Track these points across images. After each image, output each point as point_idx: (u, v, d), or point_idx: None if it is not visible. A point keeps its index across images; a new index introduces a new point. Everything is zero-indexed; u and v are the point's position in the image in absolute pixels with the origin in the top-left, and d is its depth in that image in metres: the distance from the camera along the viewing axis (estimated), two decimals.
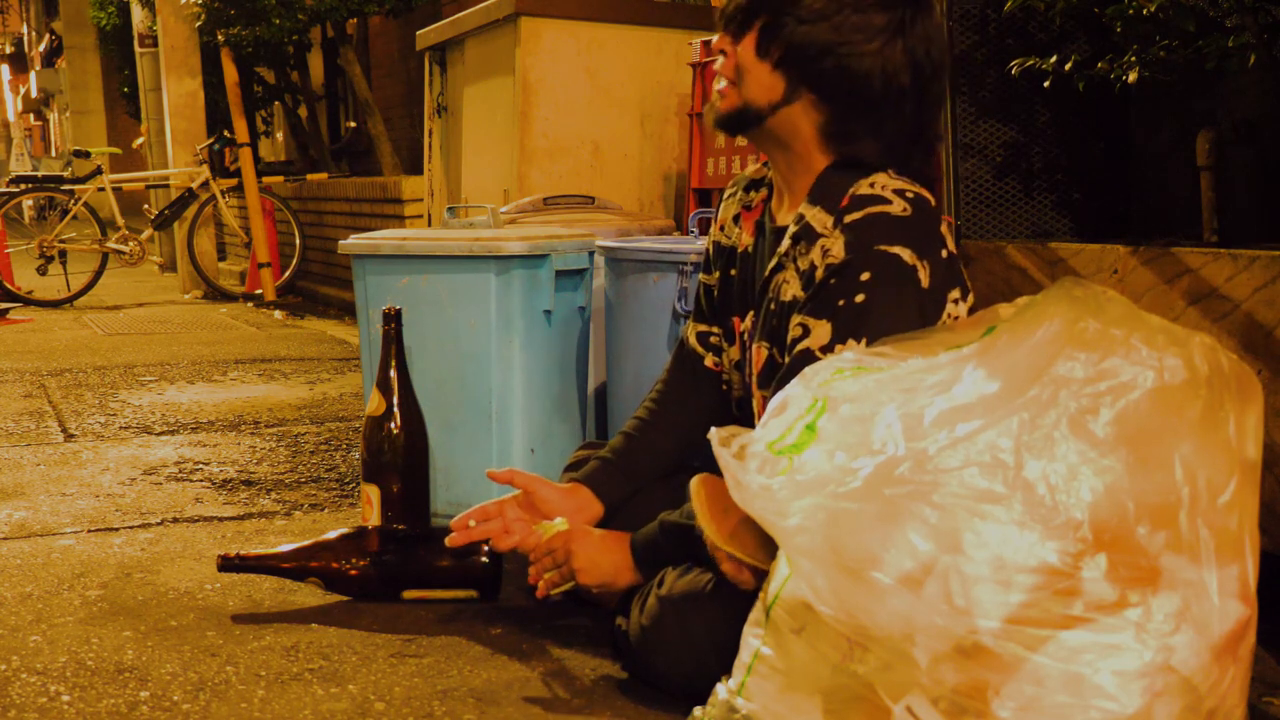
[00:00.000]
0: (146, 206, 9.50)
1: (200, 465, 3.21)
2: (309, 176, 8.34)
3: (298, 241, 7.83)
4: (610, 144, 3.71)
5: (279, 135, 12.92)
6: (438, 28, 4.17)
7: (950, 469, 1.28)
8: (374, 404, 2.31)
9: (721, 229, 1.96)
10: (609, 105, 3.70)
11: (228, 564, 2.09)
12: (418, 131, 7.94)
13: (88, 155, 8.27)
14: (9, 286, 7.57)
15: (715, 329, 1.97)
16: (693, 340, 2.01)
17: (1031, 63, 2.24)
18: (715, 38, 1.79)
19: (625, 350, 2.51)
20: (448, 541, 1.97)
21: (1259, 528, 1.33)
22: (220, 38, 7.65)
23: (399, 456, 2.29)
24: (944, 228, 1.68)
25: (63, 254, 7.93)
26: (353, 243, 2.72)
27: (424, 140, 4.40)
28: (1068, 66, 2.19)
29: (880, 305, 1.61)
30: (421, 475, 2.33)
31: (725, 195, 1.98)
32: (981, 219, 2.49)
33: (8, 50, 37.86)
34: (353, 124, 11.35)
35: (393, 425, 2.29)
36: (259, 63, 9.41)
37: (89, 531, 2.59)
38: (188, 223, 8.04)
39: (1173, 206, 2.42)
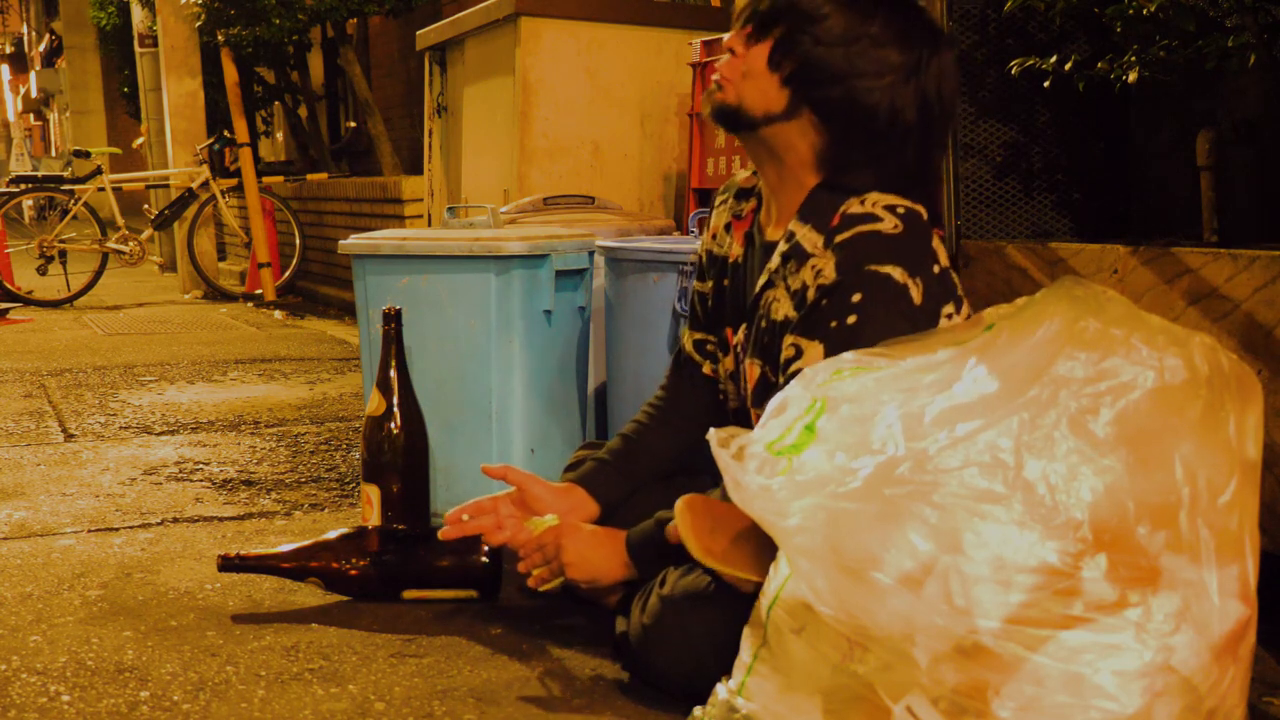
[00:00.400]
0: (146, 206, 9.50)
1: (200, 465, 3.20)
2: (309, 176, 8.34)
3: (298, 241, 7.83)
4: (610, 144, 3.71)
5: (279, 135, 12.92)
6: (438, 28, 4.17)
7: (950, 469, 1.28)
8: (374, 404, 2.32)
9: (714, 237, 1.95)
10: (609, 105, 3.69)
11: (228, 564, 2.09)
12: (418, 131, 7.93)
13: (88, 155, 8.27)
14: (9, 286, 7.57)
15: (711, 337, 1.97)
16: (689, 348, 2.01)
17: (1031, 63, 2.24)
18: (727, 36, 1.77)
19: (625, 350, 2.51)
20: (441, 534, 1.97)
21: (1259, 528, 1.33)
22: (220, 38, 7.65)
23: (399, 456, 2.29)
24: (936, 241, 1.67)
25: (63, 254, 7.93)
26: (353, 243, 2.72)
27: (424, 140, 4.40)
28: (1068, 66, 2.19)
29: (872, 325, 1.60)
30: (421, 475, 2.33)
31: (716, 202, 1.96)
32: (981, 219, 2.49)
33: (8, 50, 37.85)
34: (353, 124, 11.35)
35: (393, 425, 2.29)
36: (259, 63, 9.41)
37: (89, 531, 2.59)
38: (188, 223, 8.04)
39: (1173, 206, 2.42)
